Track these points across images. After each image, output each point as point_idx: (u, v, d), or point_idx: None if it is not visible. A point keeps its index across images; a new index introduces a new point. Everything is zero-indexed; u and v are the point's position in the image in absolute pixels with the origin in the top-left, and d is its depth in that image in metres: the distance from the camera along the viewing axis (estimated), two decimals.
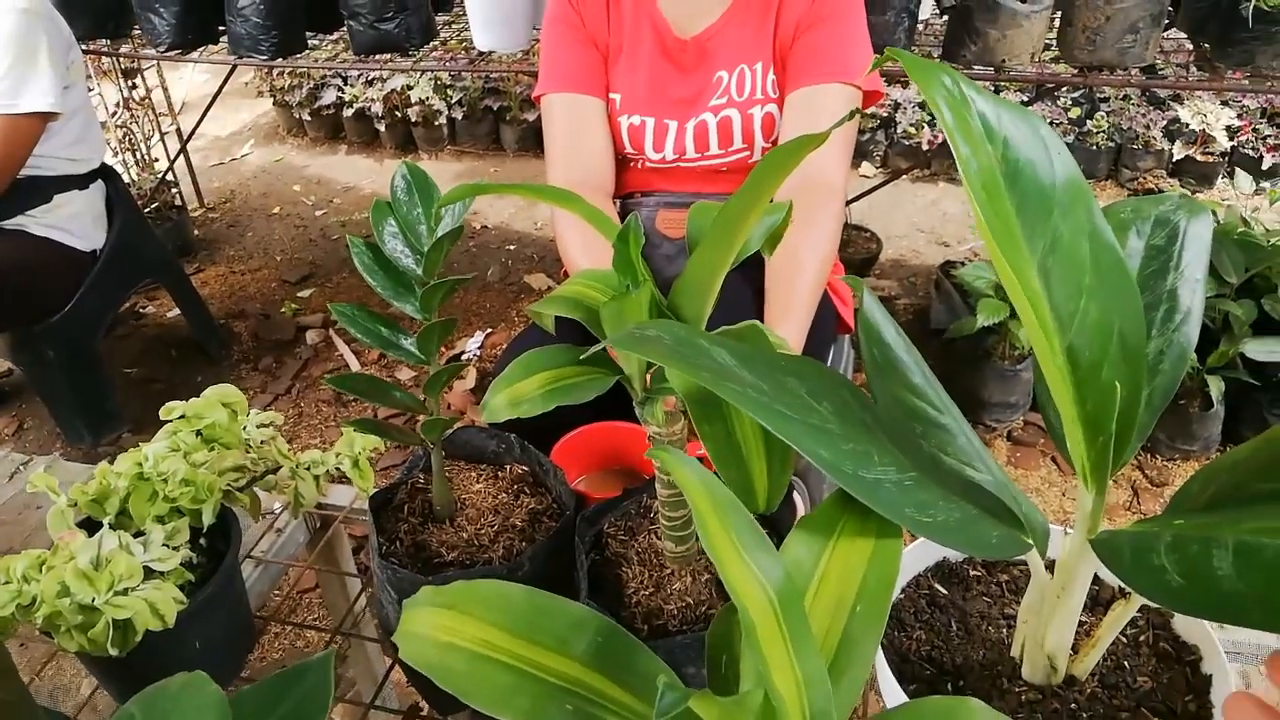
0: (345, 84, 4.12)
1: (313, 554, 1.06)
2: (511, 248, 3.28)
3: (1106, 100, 3.51)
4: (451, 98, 3.99)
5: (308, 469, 0.86)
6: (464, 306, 2.88)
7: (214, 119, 3.96)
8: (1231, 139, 3.33)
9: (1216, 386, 1.94)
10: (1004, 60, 1.89)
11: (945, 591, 0.64)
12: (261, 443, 0.85)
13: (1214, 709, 0.55)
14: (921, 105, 3.58)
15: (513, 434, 0.86)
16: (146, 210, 3.12)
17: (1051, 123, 3.32)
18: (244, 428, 0.85)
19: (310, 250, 3.35)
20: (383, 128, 4.10)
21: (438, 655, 0.46)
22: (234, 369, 2.65)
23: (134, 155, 3.29)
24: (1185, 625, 0.60)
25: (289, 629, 1.74)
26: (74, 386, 2.18)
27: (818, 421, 0.45)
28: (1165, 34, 2.02)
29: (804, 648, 0.40)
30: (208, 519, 0.76)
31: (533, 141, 4.00)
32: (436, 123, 4.00)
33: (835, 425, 0.46)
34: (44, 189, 2.00)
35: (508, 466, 0.87)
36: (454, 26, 2.70)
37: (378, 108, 4.03)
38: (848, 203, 2.70)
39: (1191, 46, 2.10)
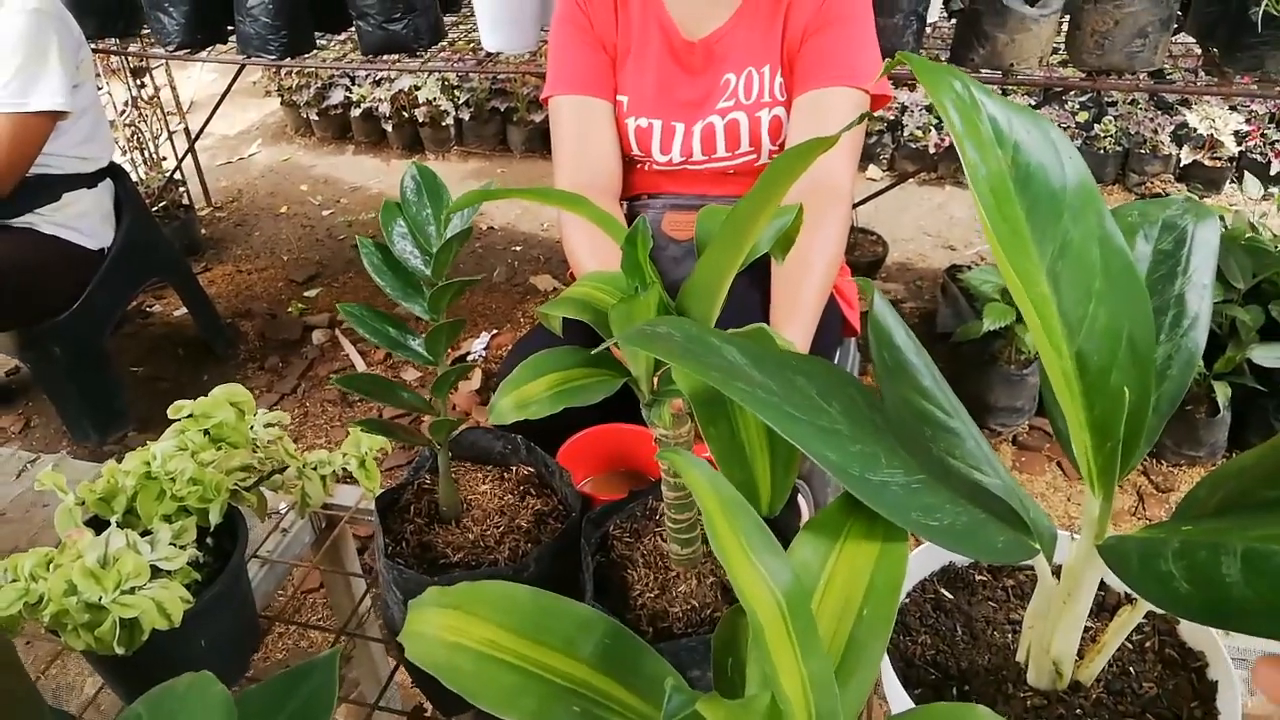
0: (353, 84, 4.13)
1: (318, 554, 1.07)
2: (517, 249, 3.28)
3: (1114, 104, 3.50)
4: (459, 98, 3.99)
5: (314, 469, 0.87)
6: (470, 307, 2.89)
7: (222, 118, 3.97)
8: (1239, 144, 3.32)
9: (1223, 392, 1.94)
10: (1012, 64, 1.89)
11: (951, 596, 0.64)
12: (269, 442, 0.86)
13: (1220, 716, 0.55)
14: (928, 108, 3.57)
15: (519, 435, 0.86)
16: (154, 209, 3.12)
17: (1059, 126, 3.31)
18: (251, 427, 0.85)
19: (317, 250, 3.35)
20: (390, 128, 4.10)
21: (444, 655, 0.46)
22: (240, 368, 2.65)
23: (142, 154, 3.30)
24: (1191, 631, 0.60)
25: (293, 629, 1.74)
26: (81, 385, 2.18)
27: (826, 423, 0.45)
28: (1174, 38, 2.01)
29: (811, 651, 0.40)
30: (215, 518, 0.76)
31: (539, 142, 4.00)
32: (444, 123, 4.00)
33: (844, 427, 0.46)
34: (53, 187, 2.01)
35: (514, 468, 0.87)
36: (462, 27, 2.70)
37: (385, 108, 4.04)
38: (854, 206, 2.70)
39: (1200, 51, 2.10)
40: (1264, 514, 0.41)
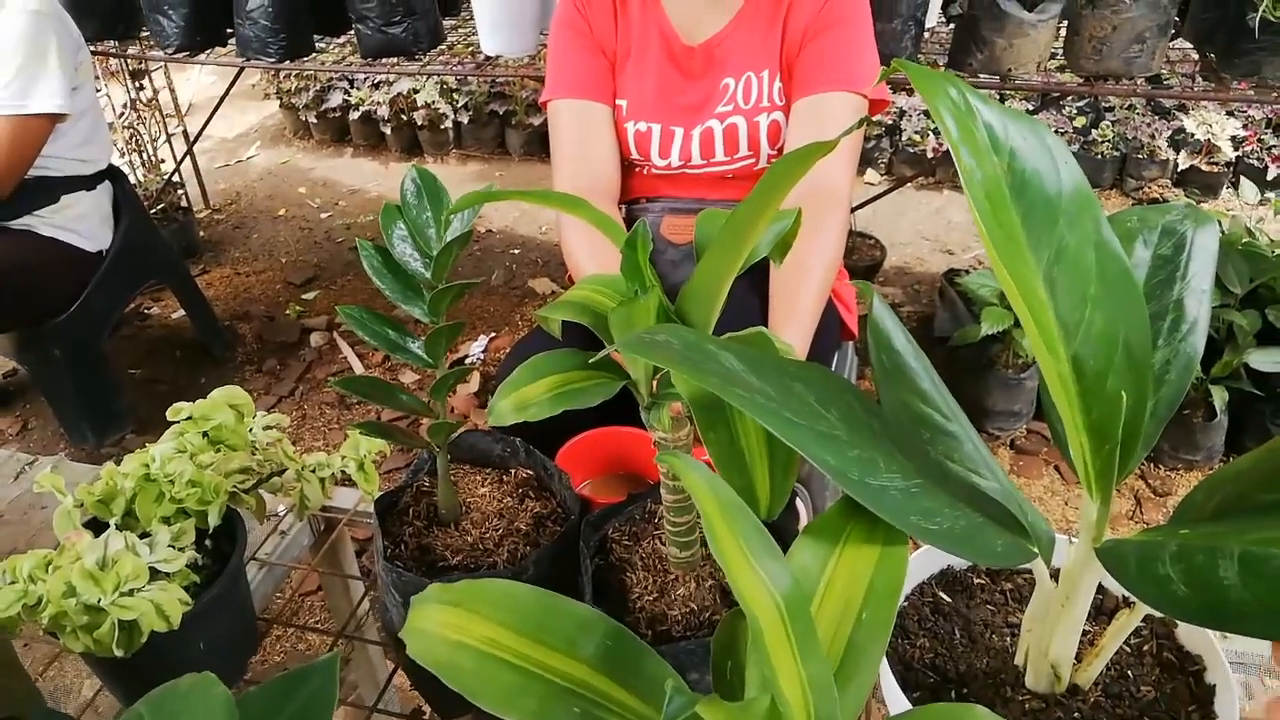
0: (352, 87, 4.13)
1: (316, 557, 1.07)
2: (516, 252, 3.28)
3: (1112, 109, 3.51)
4: (457, 101, 4.00)
5: (313, 471, 0.87)
6: (468, 310, 2.89)
7: (220, 121, 3.97)
8: (1236, 149, 3.33)
9: (1220, 397, 1.94)
10: (1010, 69, 1.89)
11: (949, 599, 0.64)
12: (268, 445, 0.86)
13: (1217, 719, 0.55)
14: (927, 113, 3.58)
15: (518, 438, 0.86)
16: (153, 211, 3.13)
17: (1056, 131, 3.32)
18: (250, 430, 0.85)
19: (315, 253, 3.35)
20: (389, 131, 4.11)
21: (446, 653, 0.46)
22: (238, 371, 2.65)
23: (141, 156, 3.30)
24: (1189, 635, 0.60)
25: (291, 631, 1.74)
26: (79, 386, 2.18)
27: (825, 428, 0.46)
28: (1171, 44, 2.02)
29: (810, 654, 0.40)
30: (214, 520, 0.76)
31: (538, 146, 4.01)
32: (442, 126, 4.01)
33: (842, 432, 0.46)
34: (52, 189, 2.01)
35: (513, 470, 0.87)
36: (461, 31, 2.70)
37: (384, 111, 4.04)
38: (853, 210, 2.71)
39: (1197, 56, 2.10)
40: (1261, 517, 0.41)
